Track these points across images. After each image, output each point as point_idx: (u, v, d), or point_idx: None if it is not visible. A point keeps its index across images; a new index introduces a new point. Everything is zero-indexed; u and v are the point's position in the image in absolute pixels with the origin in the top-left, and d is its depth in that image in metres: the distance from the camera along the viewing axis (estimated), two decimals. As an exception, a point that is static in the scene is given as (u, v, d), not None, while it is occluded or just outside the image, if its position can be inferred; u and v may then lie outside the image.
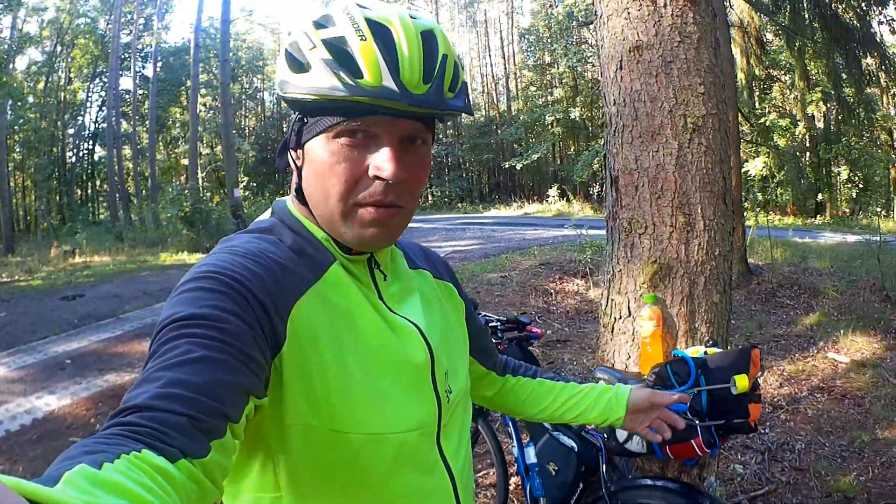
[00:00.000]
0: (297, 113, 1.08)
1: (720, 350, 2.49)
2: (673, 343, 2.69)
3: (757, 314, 8.51)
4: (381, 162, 1.03)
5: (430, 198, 45.39)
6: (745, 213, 11.72)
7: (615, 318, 2.87)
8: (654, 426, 1.61)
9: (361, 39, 0.98)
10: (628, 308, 2.80)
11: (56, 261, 19.48)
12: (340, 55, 0.98)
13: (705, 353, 2.44)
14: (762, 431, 5.02)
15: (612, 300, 2.89)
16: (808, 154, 27.43)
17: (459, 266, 12.56)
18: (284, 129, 1.08)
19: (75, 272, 16.18)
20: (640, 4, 2.73)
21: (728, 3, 13.15)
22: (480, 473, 4.37)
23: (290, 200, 1.19)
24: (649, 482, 2.65)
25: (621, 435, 2.59)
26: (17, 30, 31.88)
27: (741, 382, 2.21)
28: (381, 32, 0.99)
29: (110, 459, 0.61)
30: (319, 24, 1.02)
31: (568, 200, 33.56)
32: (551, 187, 35.96)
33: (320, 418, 0.99)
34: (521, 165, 37.30)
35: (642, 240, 2.74)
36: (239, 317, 0.88)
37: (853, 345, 7.08)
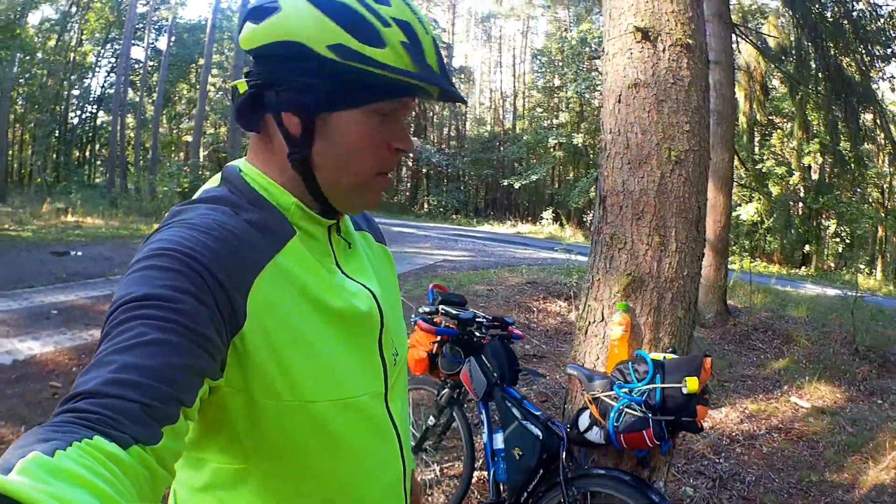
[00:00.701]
0: (315, 77, 1.01)
1: (677, 356, 2.82)
2: (637, 349, 2.99)
3: (729, 354, 8.73)
4: (405, 138, 1.10)
5: (425, 206, 45.44)
6: (729, 256, 11.98)
7: (590, 322, 3.19)
8: None
9: (425, 33, 1.04)
10: (602, 314, 3.12)
11: (48, 216, 19.31)
12: (413, 39, 1.01)
13: (664, 357, 2.76)
14: (716, 461, 5.22)
15: (588, 305, 3.21)
16: (800, 204, 27.67)
17: (448, 274, 12.78)
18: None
19: (66, 230, 16.22)
20: (642, 46, 3.07)
21: (737, 48, 13.41)
22: (448, 464, 4.58)
23: (245, 167, 1.14)
24: (602, 471, 2.95)
25: (583, 424, 2.92)
26: (35, -16, 31.66)
27: (691, 384, 2.55)
28: (426, 28, 1.05)
29: (62, 447, 0.61)
30: None
31: (561, 224, 33.74)
32: (546, 209, 36.01)
33: (289, 391, 0.99)
34: (519, 184, 37.56)
35: (621, 254, 3.06)
36: (194, 296, 0.86)
37: (816, 392, 7.28)
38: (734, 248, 24.04)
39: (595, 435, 2.85)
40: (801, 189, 27.21)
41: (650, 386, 2.66)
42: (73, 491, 0.56)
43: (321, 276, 1.09)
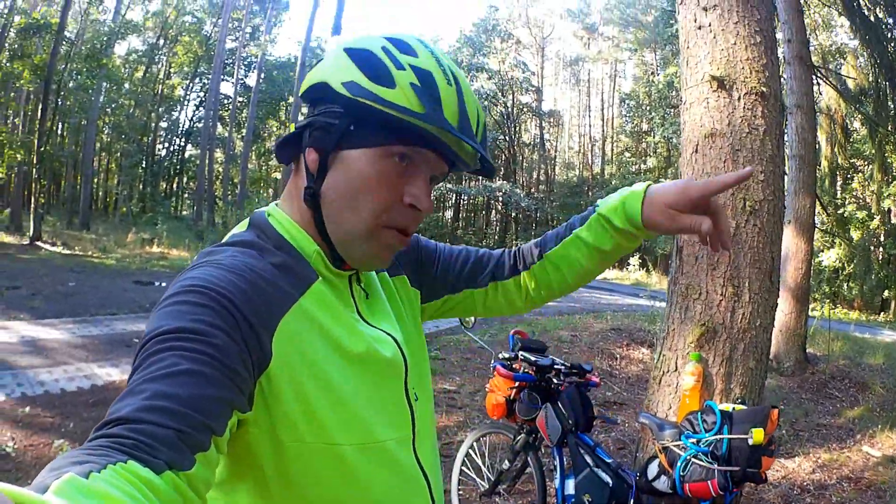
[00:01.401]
0: (337, 118, 1.05)
1: (746, 407, 2.79)
2: (708, 399, 2.97)
3: (806, 402, 8.53)
4: (420, 194, 1.07)
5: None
6: (810, 303, 11.71)
7: (664, 372, 3.19)
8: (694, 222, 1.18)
9: (448, 84, 1.04)
10: (675, 363, 3.12)
11: (132, 245, 19.91)
12: (428, 86, 1.02)
13: (733, 408, 2.74)
14: None
15: (663, 355, 3.22)
16: (880, 249, 26.95)
17: (534, 319, 12.80)
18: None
19: (151, 260, 16.69)
20: (718, 96, 3.09)
21: (818, 90, 13.18)
22: None
23: (274, 211, 1.16)
24: (669, 521, 2.94)
25: (651, 472, 2.91)
26: (121, 15, 32.65)
27: (757, 435, 2.54)
28: (458, 82, 1.06)
29: (97, 469, 0.61)
30: (403, 49, 1.05)
31: (648, 271, 33.46)
32: (633, 255, 35.67)
33: (312, 433, 0.99)
34: (606, 230, 37.40)
35: (695, 304, 3.06)
36: (225, 332, 0.88)
37: (888, 440, 7.07)
38: (815, 294, 23.43)
39: (662, 484, 2.84)
40: (882, 233, 26.49)
41: (717, 437, 2.65)
42: None
43: (343, 321, 1.10)
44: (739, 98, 3.06)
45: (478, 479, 4.31)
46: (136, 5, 39.89)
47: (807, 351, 10.23)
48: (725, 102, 3.07)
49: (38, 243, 18.69)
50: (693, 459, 2.68)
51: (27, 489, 0.49)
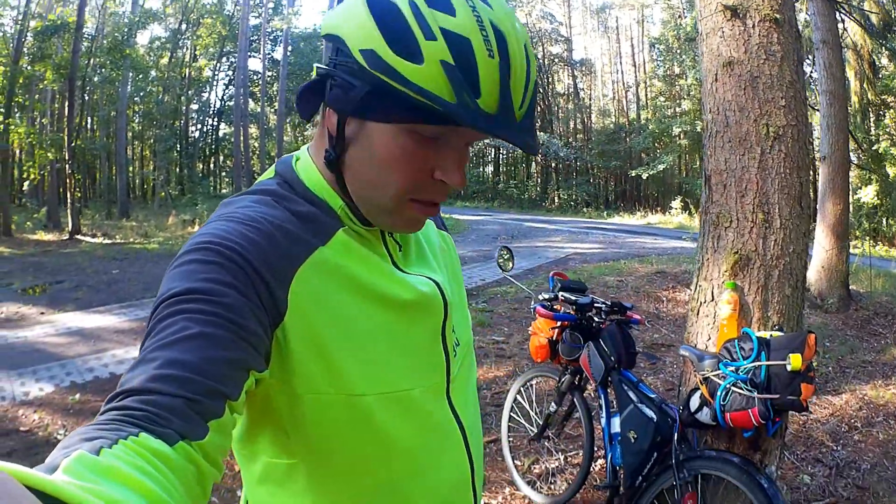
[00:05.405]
0: (357, 79, 0.93)
1: (783, 334, 2.80)
2: (746, 327, 2.96)
3: (850, 339, 8.44)
4: (452, 169, 0.97)
5: (556, 200, 45.82)
6: (851, 239, 11.54)
7: (700, 302, 3.20)
8: None
9: (489, 55, 0.86)
10: (712, 293, 3.12)
11: (173, 228, 20.21)
12: (463, 63, 0.85)
13: (770, 335, 2.75)
14: (834, 448, 5.08)
15: (699, 286, 3.22)
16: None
17: (579, 267, 12.93)
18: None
19: (194, 240, 17.00)
20: (733, 24, 3.07)
21: (843, 26, 12.95)
22: (573, 452, 4.64)
23: (300, 161, 1.11)
24: (713, 454, 2.96)
25: (694, 405, 2.92)
26: (140, 5, 32.82)
27: (795, 361, 2.54)
28: (503, 49, 0.88)
29: (108, 445, 0.60)
30: (436, 3, 0.87)
31: (690, 213, 32.97)
32: (675, 199, 35.77)
33: (332, 384, 0.96)
34: (646, 175, 37.17)
35: (727, 232, 3.06)
36: (236, 289, 0.85)
37: (935, 376, 7.05)
38: (857, 231, 23.04)
39: (705, 415, 2.85)
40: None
41: (755, 363, 2.66)
42: (118, 490, 0.55)
43: (374, 266, 1.05)
44: (754, 26, 3.04)
45: (526, 425, 4.39)
46: (154, -6, 40.02)
47: (850, 288, 10.13)
48: (740, 30, 3.06)
49: (78, 237, 19.02)
50: (732, 388, 2.69)
51: (36, 470, 0.48)
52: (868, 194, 24.30)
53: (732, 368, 2.71)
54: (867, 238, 21.89)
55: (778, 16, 3.05)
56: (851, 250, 11.18)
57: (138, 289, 10.63)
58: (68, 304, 9.65)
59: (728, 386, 2.70)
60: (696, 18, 3.34)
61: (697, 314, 3.21)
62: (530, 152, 0.96)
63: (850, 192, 12.60)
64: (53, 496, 0.45)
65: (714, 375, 2.78)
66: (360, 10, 0.90)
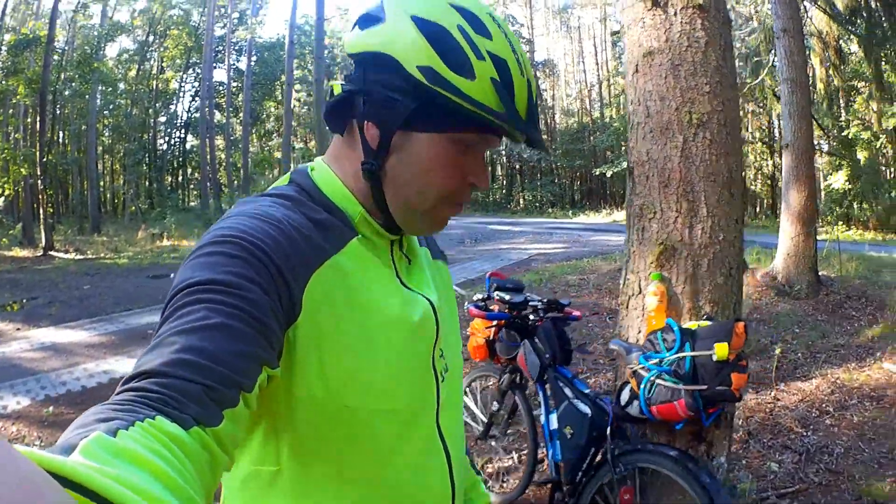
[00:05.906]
0: (401, 95, 1.01)
1: (712, 323, 2.76)
2: (676, 318, 2.94)
3: (822, 324, 8.44)
4: (481, 173, 1.09)
5: (521, 202, 46.06)
6: (819, 225, 11.56)
7: (629, 296, 3.17)
8: None
9: (520, 74, 1.02)
10: (639, 286, 3.10)
11: (143, 242, 20.25)
12: (506, 80, 1.00)
13: (699, 325, 2.72)
14: (803, 434, 5.06)
15: (627, 279, 3.19)
16: (892, 168, 26.55)
17: (541, 267, 12.95)
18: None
19: (162, 254, 17.10)
20: (654, 14, 3.04)
21: (806, 14, 13.00)
22: (525, 450, 4.54)
23: (315, 171, 1.15)
24: (650, 447, 2.93)
25: (624, 398, 2.89)
26: (108, 17, 32.84)
27: (720, 350, 2.50)
28: (526, 68, 1.04)
29: (125, 427, 0.60)
30: (479, 29, 1.01)
31: (655, 212, 33.17)
32: (638, 198, 35.72)
33: (329, 392, 0.98)
34: (611, 172, 36.97)
35: (651, 224, 3.03)
36: (258, 285, 0.86)
37: (910, 357, 7.03)
38: (828, 217, 23.18)
39: (635, 409, 2.83)
40: (890, 152, 26.03)
41: (679, 355, 2.62)
42: (136, 473, 0.55)
43: (379, 280, 1.09)
44: (676, 13, 3.01)
45: (473, 424, 4.39)
46: (122, 6, 40.02)
47: (819, 273, 10.16)
48: (661, 20, 3.03)
49: (52, 253, 19.11)
50: (656, 380, 2.66)
51: (53, 453, 0.49)
52: (839, 180, 24.46)
53: (655, 361, 2.68)
54: (839, 223, 22.00)
55: (702, 2, 3.02)
56: (822, 236, 11.20)
57: (108, 303, 10.76)
58: (43, 319, 9.84)
59: (652, 378, 2.67)
60: (618, 10, 3.32)
61: (627, 307, 3.18)
62: (542, 148, 1.16)
63: (821, 179, 12.66)
64: (74, 481, 0.45)
65: (640, 368, 2.75)
66: (410, 30, 0.99)
